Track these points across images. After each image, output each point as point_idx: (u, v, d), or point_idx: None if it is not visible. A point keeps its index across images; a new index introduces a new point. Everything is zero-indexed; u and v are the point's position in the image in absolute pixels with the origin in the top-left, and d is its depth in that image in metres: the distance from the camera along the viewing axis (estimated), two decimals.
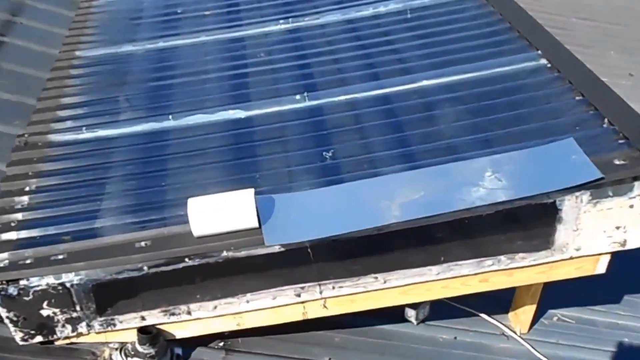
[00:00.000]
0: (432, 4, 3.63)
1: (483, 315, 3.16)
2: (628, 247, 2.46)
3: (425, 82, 2.95)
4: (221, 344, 2.53)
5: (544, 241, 2.45)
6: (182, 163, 2.62)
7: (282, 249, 2.23)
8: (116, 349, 2.34)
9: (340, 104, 2.89)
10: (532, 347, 3.05)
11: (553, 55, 3.00)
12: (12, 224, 2.36)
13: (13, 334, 2.26)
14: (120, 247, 2.21)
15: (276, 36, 3.52)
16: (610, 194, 2.31)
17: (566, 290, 3.08)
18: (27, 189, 2.54)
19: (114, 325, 2.30)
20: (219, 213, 2.16)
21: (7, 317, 2.21)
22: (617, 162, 2.31)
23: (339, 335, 2.82)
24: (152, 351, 2.29)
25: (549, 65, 2.94)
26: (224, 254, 2.22)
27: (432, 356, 2.87)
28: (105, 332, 2.32)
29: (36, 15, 4.16)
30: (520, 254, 2.47)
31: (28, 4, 4.16)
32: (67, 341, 2.33)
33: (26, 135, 2.84)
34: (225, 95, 3.04)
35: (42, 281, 2.16)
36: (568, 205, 2.33)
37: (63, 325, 2.26)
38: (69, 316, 2.25)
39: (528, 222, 2.41)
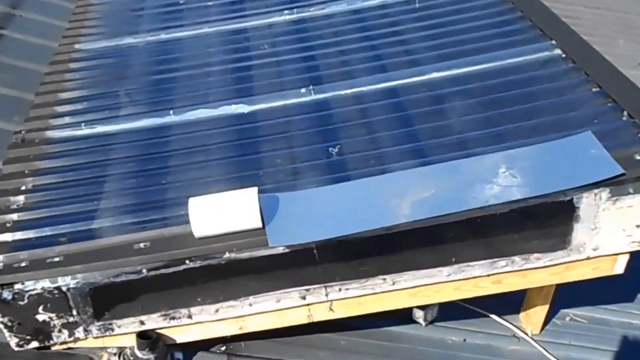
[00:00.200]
0: None
1: (493, 315, 3.05)
2: None
3: (434, 74, 2.83)
4: (223, 348, 2.42)
5: (560, 241, 2.33)
6: (183, 160, 2.51)
7: (287, 250, 2.12)
8: (115, 354, 2.24)
9: (347, 98, 2.77)
10: (544, 349, 2.94)
11: (568, 45, 2.86)
12: (8, 225, 2.26)
13: (8, 339, 2.16)
14: (118, 249, 2.11)
15: (280, 27, 3.40)
16: (631, 191, 2.18)
17: (578, 289, 2.95)
18: (23, 188, 2.44)
19: (112, 330, 2.20)
20: (221, 213, 2.05)
21: (2, 322, 2.11)
22: (638, 157, 2.19)
23: (345, 337, 2.72)
24: (151, 356, 2.19)
25: (563, 55, 2.81)
26: (226, 255, 2.11)
27: (441, 359, 2.77)
28: (103, 336, 2.21)
29: (36, 8, 4.06)
30: (535, 255, 2.35)
31: None
32: (64, 346, 2.23)
33: (23, 132, 2.73)
34: (228, 89, 2.92)
35: (38, 285, 2.06)
36: (586, 203, 2.20)
37: (59, 330, 2.16)
38: (65, 321, 2.15)
39: (543, 220, 2.29)
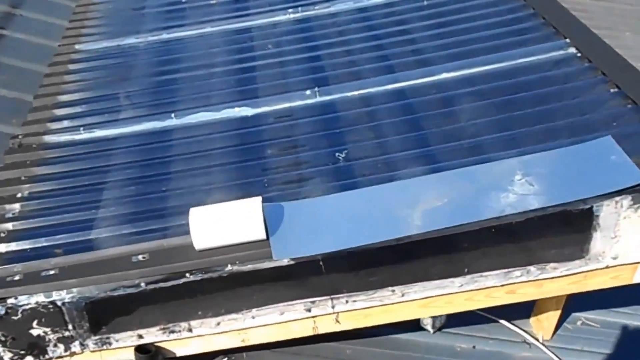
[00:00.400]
0: None
1: (503, 321, 2.91)
2: None
3: (444, 75, 2.68)
4: (225, 359, 2.30)
5: (578, 249, 2.19)
6: (184, 166, 2.37)
7: (291, 262, 1.99)
8: None
9: (354, 100, 2.63)
10: (556, 356, 2.80)
11: (582, 43, 2.71)
12: (2, 235, 2.14)
13: (2, 354, 2.04)
14: (116, 262, 1.98)
15: (285, 26, 3.25)
16: None
17: (589, 292, 2.84)
18: (19, 195, 2.31)
19: (110, 344, 2.07)
20: (223, 224, 1.91)
21: None
22: None
23: (351, 346, 2.59)
24: None
25: (578, 54, 2.66)
26: (228, 268, 1.98)
27: None
28: (100, 350, 2.09)
29: (37, 7, 3.92)
30: (552, 264, 2.21)
31: None
32: None
33: (20, 137, 2.61)
34: (231, 91, 2.78)
35: (32, 299, 1.94)
36: (606, 211, 2.06)
37: (55, 345, 2.04)
38: (61, 335, 2.02)
39: (561, 229, 2.15)
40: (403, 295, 2.21)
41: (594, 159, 2.08)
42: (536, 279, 2.25)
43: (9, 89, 3.26)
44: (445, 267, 2.19)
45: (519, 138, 2.28)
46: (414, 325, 2.72)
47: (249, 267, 1.99)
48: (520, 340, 2.91)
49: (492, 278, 2.22)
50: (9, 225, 2.17)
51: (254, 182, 2.25)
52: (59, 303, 1.95)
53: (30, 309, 1.95)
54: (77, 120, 2.69)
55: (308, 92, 2.68)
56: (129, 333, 2.07)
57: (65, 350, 2.07)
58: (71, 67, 3.11)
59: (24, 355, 2.04)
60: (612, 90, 2.43)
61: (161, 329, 2.09)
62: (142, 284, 1.96)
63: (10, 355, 2.04)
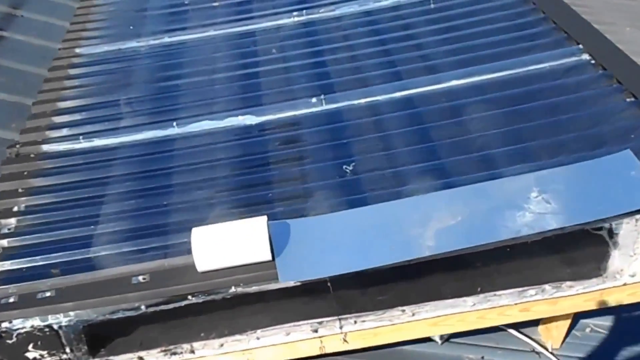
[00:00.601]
0: None
1: (511, 330, 2.79)
2: None
3: (453, 82, 2.53)
4: None
5: (595, 267, 2.06)
6: (186, 178, 2.23)
7: (298, 283, 1.86)
8: None
9: (361, 108, 2.48)
10: None
11: (596, 49, 2.55)
12: None
13: None
14: (115, 283, 1.84)
15: (289, 30, 3.10)
16: None
17: None
18: (15, 209, 2.18)
19: None
20: (227, 245, 1.78)
21: None
22: None
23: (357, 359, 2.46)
24: None
25: (592, 61, 2.51)
26: (232, 290, 1.85)
27: None
28: None
29: (38, 7, 3.77)
30: (568, 282, 2.07)
31: None
32: None
33: (18, 146, 2.46)
34: (234, 98, 2.63)
35: (27, 323, 1.80)
36: (626, 229, 1.92)
37: None
38: (58, 358, 1.89)
39: (578, 247, 2.02)
40: (414, 315, 2.08)
41: (612, 174, 1.94)
42: (551, 297, 2.12)
43: (9, 92, 3.11)
44: (457, 286, 2.06)
45: (532, 151, 2.14)
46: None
47: (254, 288, 1.86)
48: (529, 350, 2.78)
49: (506, 297, 2.09)
50: (4, 242, 2.03)
51: (258, 195, 2.11)
52: (55, 326, 1.82)
53: (26, 332, 1.82)
54: (77, 128, 2.54)
55: (314, 99, 2.53)
56: (129, 355, 1.95)
57: None
58: (71, 72, 2.96)
59: None
60: (628, 99, 2.28)
61: (162, 351, 1.96)
62: (143, 307, 1.83)
63: None
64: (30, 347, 1.86)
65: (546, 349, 2.76)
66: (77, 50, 3.14)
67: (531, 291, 2.07)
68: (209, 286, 1.82)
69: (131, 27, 3.28)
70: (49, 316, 1.80)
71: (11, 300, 1.82)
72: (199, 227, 1.81)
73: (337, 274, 1.81)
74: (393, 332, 2.13)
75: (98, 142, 2.45)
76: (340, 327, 2.04)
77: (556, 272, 2.06)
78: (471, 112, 2.37)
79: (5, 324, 1.80)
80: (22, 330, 1.82)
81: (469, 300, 2.07)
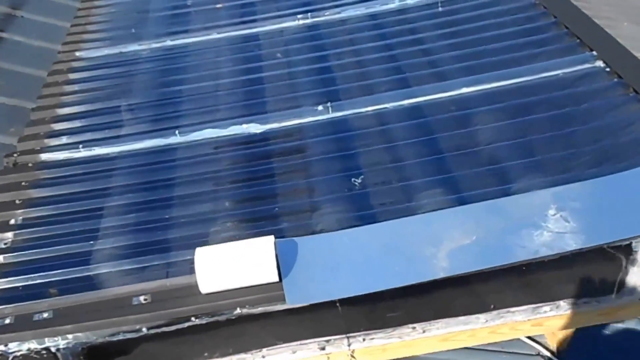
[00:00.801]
0: None
1: None
2: None
3: (463, 90, 2.40)
4: None
5: (612, 284, 1.95)
6: (188, 190, 2.11)
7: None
8: None
9: (368, 116, 2.35)
10: None
11: (610, 56, 2.42)
12: None
13: None
14: (115, 304, 1.73)
15: (294, 33, 2.96)
16: None
17: None
18: (12, 222, 2.06)
19: None
20: (232, 266, 1.66)
21: None
22: None
23: None
24: None
25: (607, 68, 2.38)
26: (237, 311, 1.74)
27: None
28: None
29: (39, 8, 3.63)
30: (584, 299, 1.97)
31: None
32: None
33: (16, 155, 2.34)
34: (238, 105, 2.51)
35: (23, 346, 1.69)
36: None
37: None
38: None
39: (595, 264, 1.91)
40: (424, 332, 1.97)
41: (633, 190, 1.83)
42: (566, 313, 2.02)
43: (8, 95, 2.98)
44: (469, 302, 1.95)
45: (546, 164, 2.01)
46: None
47: (259, 309, 1.75)
48: (534, 353, 2.70)
49: (519, 313, 1.98)
50: (0, 258, 1.92)
51: (263, 210, 1.99)
52: (53, 349, 1.71)
53: (22, 355, 1.70)
54: (76, 136, 2.42)
55: (320, 107, 2.40)
56: None
57: None
58: (71, 76, 2.83)
59: None
60: None
61: None
62: (144, 329, 1.72)
63: None
64: None
65: (552, 352, 2.67)
66: (78, 54, 3.01)
67: (545, 307, 1.97)
68: (213, 308, 1.71)
69: (133, 30, 3.15)
70: (46, 339, 1.69)
71: (7, 321, 1.71)
72: (202, 247, 1.70)
73: (346, 296, 1.69)
74: (402, 347, 2.02)
75: (98, 151, 2.33)
76: (349, 345, 1.93)
77: (571, 288, 1.95)
78: (481, 122, 2.25)
79: (0, 347, 1.69)
80: (18, 354, 1.70)
81: (482, 317, 1.96)
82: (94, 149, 2.34)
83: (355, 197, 1.99)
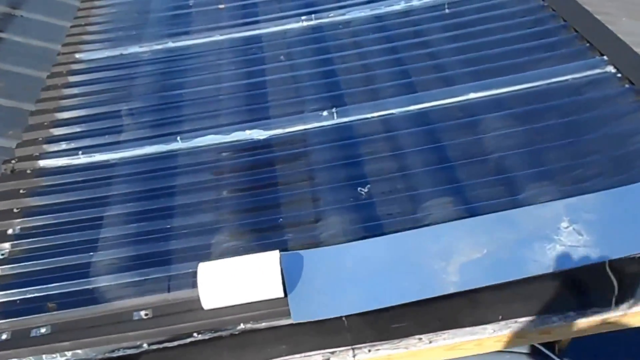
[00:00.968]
0: None
1: None
2: None
3: (471, 95, 2.34)
4: None
5: (622, 294, 1.89)
6: (190, 199, 2.05)
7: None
8: None
9: (374, 122, 2.29)
10: None
11: (622, 61, 2.36)
12: None
13: None
14: (115, 319, 1.67)
15: (298, 35, 2.89)
16: None
17: None
18: (10, 231, 2.00)
19: None
20: (236, 282, 1.61)
21: None
22: None
23: None
24: None
25: (618, 74, 2.32)
26: (241, 326, 1.68)
27: None
28: None
29: (39, 7, 3.56)
30: (594, 308, 1.91)
31: None
32: None
33: (14, 161, 2.28)
34: (241, 110, 2.44)
35: None
36: None
37: None
38: None
39: (604, 272, 1.85)
40: (431, 342, 1.91)
41: None
42: (574, 322, 1.96)
43: (7, 97, 2.91)
44: (477, 313, 1.89)
45: (556, 174, 1.95)
46: None
47: (263, 325, 1.70)
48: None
49: (527, 324, 1.92)
50: None
51: (267, 220, 1.93)
52: None
53: None
54: (76, 142, 2.36)
55: (325, 112, 2.34)
56: None
57: None
58: (71, 79, 2.77)
59: None
60: None
61: None
62: (145, 345, 1.66)
63: None
64: None
65: (553, 351, 2.61)
66: (78, 56, 2.94)
67: (554, 318, 1.90)
68: (216, 324, 1.66)
69: (134, 32, 3.09)
70: (44, 355, 1.63)
71: (3, 337, 1.66)
72: (205, 262, 1.64)
73: (353, 313, 1.64)
74: (407, 357, 1.97)
75: (98, 158, 2.27)
76: (354, 356, 1.87)
77: (582, 300, 1.89)
78: (490, 129, 2.18)
79: None
80: None
81: (489, 327, 1.89)
82: (93, 156, 2.28)
83: (362, 207, 1.93)
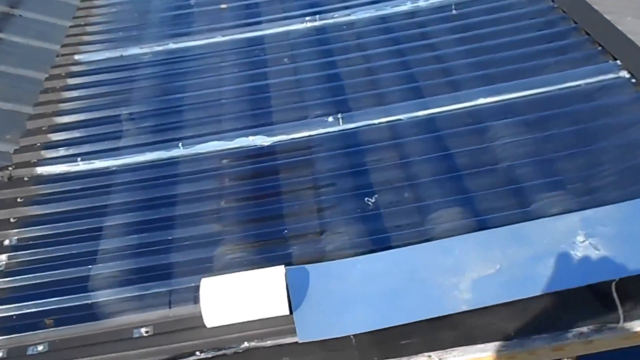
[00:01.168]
0: None
1: None
2: None
3: (481, 101, 2.27)
4: None
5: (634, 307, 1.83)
6: (192, 208, 1.99)
7: None
8: None
9: (381, 129, 2.22)
10: None
11: (636, 65, 2.28)
12: None
13: None
14: (114, 336, 1.61)
15: (302, 37, 2.82)
16: None
17: None
18: (6, 242, 1.94)
19: None
20: (240, 298, 1.54)
21: None
22: None
23: None
24: None
25: (632, 79, 2.24)
26: (245, 345, 1.62)
27: None
28: None
29: (37, 7, 3.48)
30: (609, 325, 1.84)
31: None
32: None
33: (11, 168, 2.21)
34: (244, 115, 2.37)
35: None
36: None
37: None
38: None
39: (624, 290, 1.78)
40: (440, 359, 1.86)
41: None
42: (588, 339, 1.90)
43: (5, 100, 2.83)
44: (488, 330, 1.82)
45: (570, 184, 1.88)
46: None
47: (269, 342, 1.63)
48: None
49: (540, 340, 1.86)
50: None
51: (271, 232, 1.86)
52: None
53: None
54: (75, 147, 2.29)
55: (330, 118, 2.27)
56: None
57: None
58: (70, 81, 2.70)
59: None
60: None
61: None
62: None
63: None
64: None
65: None
66: (77, 57, 2.87)
67: (568, 334, 1.84)
68: (220, 342, 1.58)
69: (134, 32, 3.01)
70: None
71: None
72: (208, 278, 1.57)
73: (362, 332, 1.57)
74: None
75: (97, 164, 2.20)
76: None
77: (597, 316, 1.83)
78: (500, 137, 2.11)
79: None
80: None
81: (500, 345, 1.84)
82: (93, 162, 2.21)
83: (369, 219, 1.87)
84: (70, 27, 3.22)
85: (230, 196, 2.02)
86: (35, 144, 2.33)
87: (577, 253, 1.63)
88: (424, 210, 1.87)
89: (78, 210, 2.03)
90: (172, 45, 2.89)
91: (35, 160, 2.25)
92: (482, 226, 1.79)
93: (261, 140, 2.23)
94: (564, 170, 1.95)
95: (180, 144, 2.23)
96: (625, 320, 1.81)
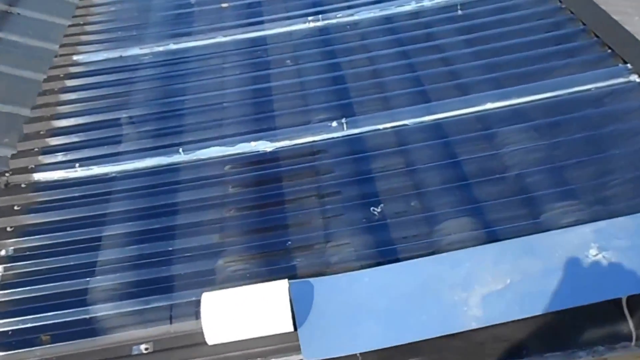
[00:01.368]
0: None
1: None
2: None
3: (489, 105, 2.20)
4: None
5: None
6: (193, 217, 1.92)
7: None
8: None
9: (387, 134, 2.15)
10: None
11: None
12: None
13: None
14: (113, 353, 1.55)
15: (305, 37, 2.74)
16: None
17: None
18: (2, 253, 1.87)
19: None
20: (242, 314, 1.48)
21: None
22: None
23: None
24: None
25: None
26: None
27: None
28: None
29: (36, 5, 3.40)
30: (623, 343, 1.78)
31: None
32: None
33: (8, 174, 2.14)
34: (246, 119, 2.30)
35: None
36: None
37: None
38: None
39: (636, 306, 1.72)
40: None
41: None
42: (602, 357, 1.84)
43: (3, 102, 2.76)
44: (499, 347, 1.76)
45: (582, 193, 1.82)
46: None
47: None
48: None
49: (553, 359, 1.80)
50: None
51: (274, 243, 1.80)
52: None
53: None
54: (73, 153, 2.23)
55: (334, 123, 2.19)
56: None
57: None
58: (68, 83, 2.62)
59: None
60: None
61: None
62: None
63: None
64: None
65: None
66: (75, 58, 2.79)
67: (581, 352, 1.78)
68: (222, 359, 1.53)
69: (134, 32, 2.93)
70: None
71: None
72: (209, 292, 1.51)
73: (369, 350, 1.51)
74: None
75: (96, 171, 2.14)
76: None
77: (610, 334, 1.77)
78: (508, 143, 2.04)
79: None
80: None
81: None
82: (91, 168, 2.14)
83: (375, 229, 1.80)
84: (69, 26, 3.14)
85: (232, 205, 1.95)
86: (33, 149, 2.27)
87: (590, 267, 1.57)
88: (431, 220, 1.81)
89: (76, 219, 1.96)
90: (172, 46, 2.82)
91: (33, 166, 2.19)
92: (491, 238, 1.73)
93: (263, 146, 2.16)
94: (574, 179, 1.89)
95: (180, 150, 2.16)
96: (638, 339, 1.76)
